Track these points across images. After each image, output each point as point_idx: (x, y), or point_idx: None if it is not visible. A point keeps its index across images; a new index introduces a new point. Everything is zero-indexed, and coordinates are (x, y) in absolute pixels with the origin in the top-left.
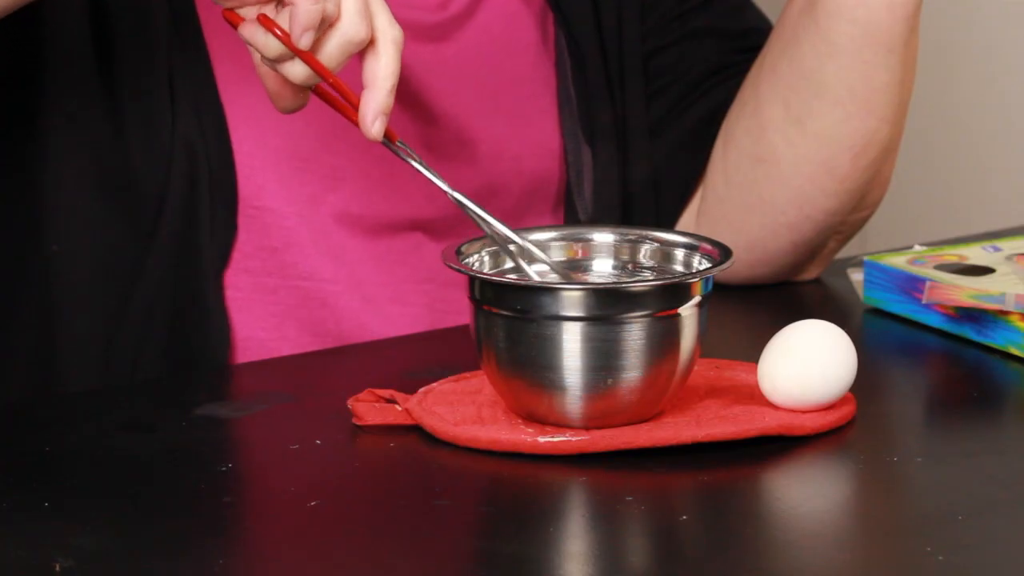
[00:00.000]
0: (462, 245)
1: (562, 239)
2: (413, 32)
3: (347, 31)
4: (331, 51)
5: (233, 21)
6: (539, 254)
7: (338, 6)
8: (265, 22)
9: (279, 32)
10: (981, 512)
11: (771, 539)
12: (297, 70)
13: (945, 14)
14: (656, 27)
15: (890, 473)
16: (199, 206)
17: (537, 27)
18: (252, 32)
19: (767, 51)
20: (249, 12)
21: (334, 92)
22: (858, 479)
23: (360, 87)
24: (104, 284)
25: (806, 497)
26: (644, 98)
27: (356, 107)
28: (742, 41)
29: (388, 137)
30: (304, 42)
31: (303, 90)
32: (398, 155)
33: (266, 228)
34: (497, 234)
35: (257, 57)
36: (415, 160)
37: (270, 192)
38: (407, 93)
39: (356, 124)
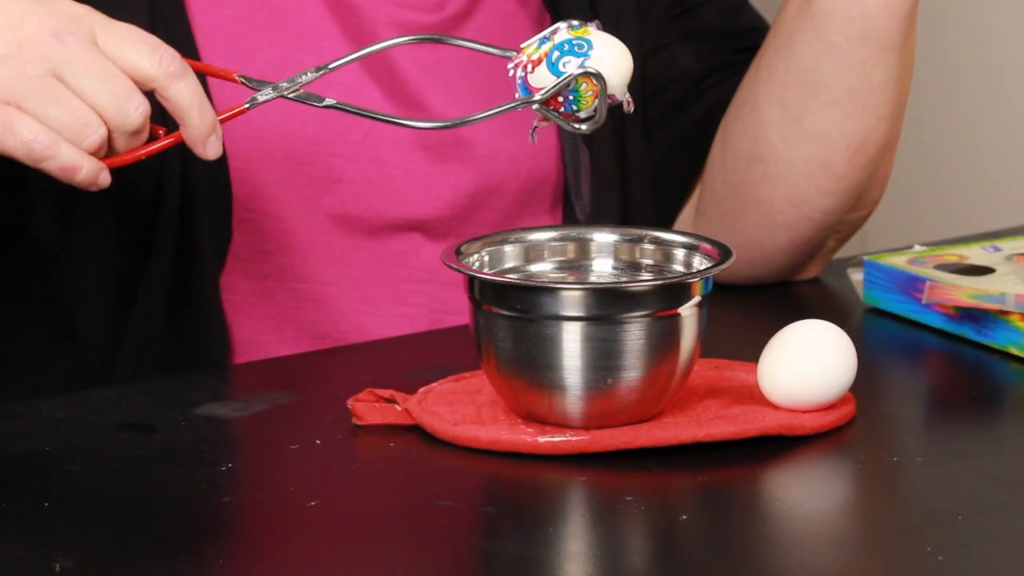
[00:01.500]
0: (462, 245)
1: (562, 239)
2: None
3: (117, 124)
4: (124, 147)
5: None
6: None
7: (93, 115)
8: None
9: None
10: (981, 512)
11: (771, 539)
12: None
13: (945, 13)
14: (653, 27)
15: (890, 473)
16: (194, 210)
17: (534, 28)
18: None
19: (764, 51)
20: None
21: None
22: (858, 479)
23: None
24: (102, 289)
25: (806, 497)
26: (641, 98)
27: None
28: (739, 41)
29: (219, 73)
30: (86, 173)
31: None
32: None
33: (262, 231)
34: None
35: None
36: (270, 85)
37: (265, 195)
38: (404, 93)
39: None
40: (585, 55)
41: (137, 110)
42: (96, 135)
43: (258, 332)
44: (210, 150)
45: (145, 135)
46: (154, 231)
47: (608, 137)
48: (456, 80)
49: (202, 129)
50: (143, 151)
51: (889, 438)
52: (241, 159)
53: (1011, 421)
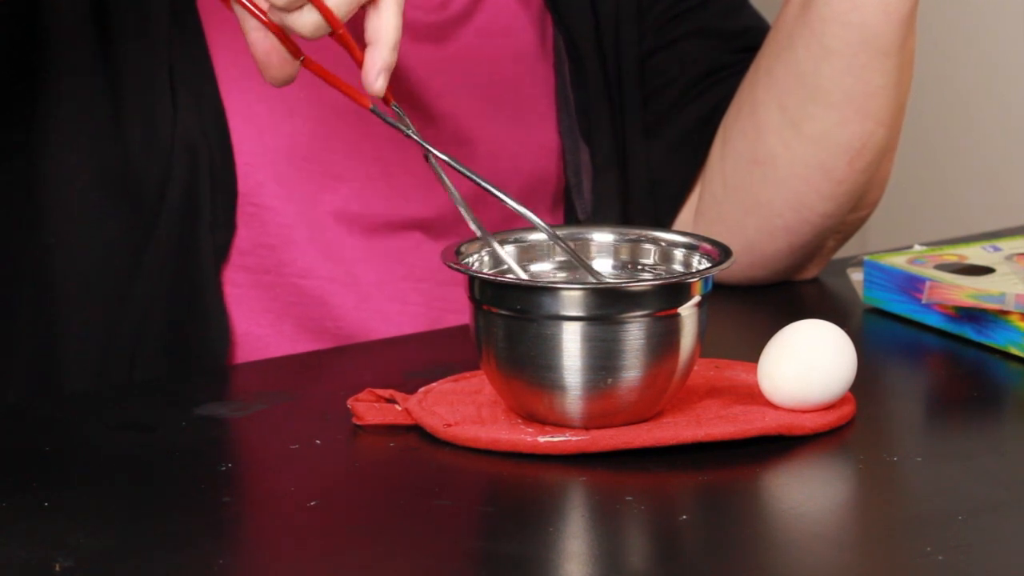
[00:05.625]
0: (462, 245)
1: (562, 239)
2: (412, 32)
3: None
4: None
5: None
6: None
7: None
8: None
9: None
10: (981, 512)
11: (771, 539)
12: (306, 19)
13: (945, 14)
14: (653, 27)
15: (890, 473)
16: (199, 203)
17: (535, 28)
18: None
19: (763, 54)
20: None
21: (329, 63)
22: (858, 479)
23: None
24: (103, 279)
25: (806, 497)
26: (641, 98)
27: (359, 63)
28: (739, 41)
29: (385, 99)
30: None
31: (292, 60)
32: (386, 121)
33: (264, 225)
34: (485, 229)
35: (250, 24)
36: (407, 127)
37: (269, 190)
38: (406, 92)
39: (346, 94)
40: None
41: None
42: None
43: (257, 326)
44: (379, 83)
45: (350, 13)
46: (156, 223)
47: (608, 137)
48: (459, 80)
49: (387, 60)
50: (339, 24)
51: (889, 438)
52: (246, 153)
53: (1011, 421)
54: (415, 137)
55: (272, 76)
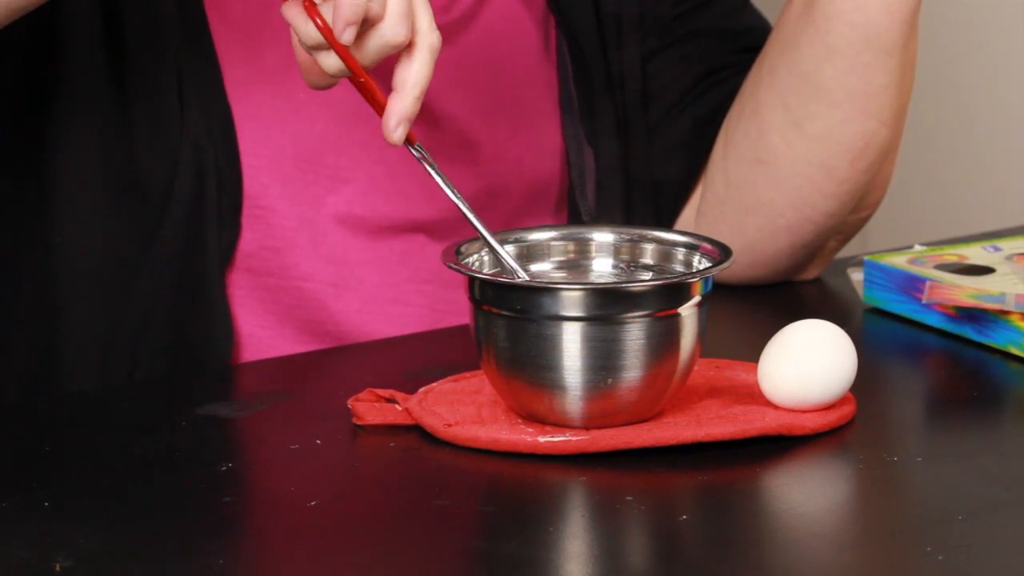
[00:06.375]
0: (461, 245)
1: (562, 239)
2: None
3: (387, 33)
4: (368, 50)
5: None
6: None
7: (383, 6)
8: (309, 9)
9: (320, 22)
10: (981, 512)
11: (771, 539)
12: (332, 62)
13: (945, 14)
14: (655, 27)
15: (890, 473)
16: (205, 205)
17: (539, 30)
18: (294, 16)
19: (766, 53)
20: None
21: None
22: (858, 479)
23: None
24: (105, 278)
25: (806, 497)
26: (644, 98)
27: (383, 106)
28: (741, 41)
29: (408, 139)
30: (346, 37)
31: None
32: (413, 154)
33: (269, 228)
34: (498, 252)
35: (295, 35)
36: (430, 165)
37: (273, 192)
38: None
39: (380, 115)
40: None
41: (405, 33)
42: (378, 2)
43: (260, 328)
44: (397, 133)
45: (379, 61)
46: (161, 224)
47: (612, 138)
48: (463, 82)
49: (408, 111)
50: (363, 73)
51: (889, 438)
52: (252, 156)
53: (1011, 421)
54: (438, 179)
55: (312, 82)
